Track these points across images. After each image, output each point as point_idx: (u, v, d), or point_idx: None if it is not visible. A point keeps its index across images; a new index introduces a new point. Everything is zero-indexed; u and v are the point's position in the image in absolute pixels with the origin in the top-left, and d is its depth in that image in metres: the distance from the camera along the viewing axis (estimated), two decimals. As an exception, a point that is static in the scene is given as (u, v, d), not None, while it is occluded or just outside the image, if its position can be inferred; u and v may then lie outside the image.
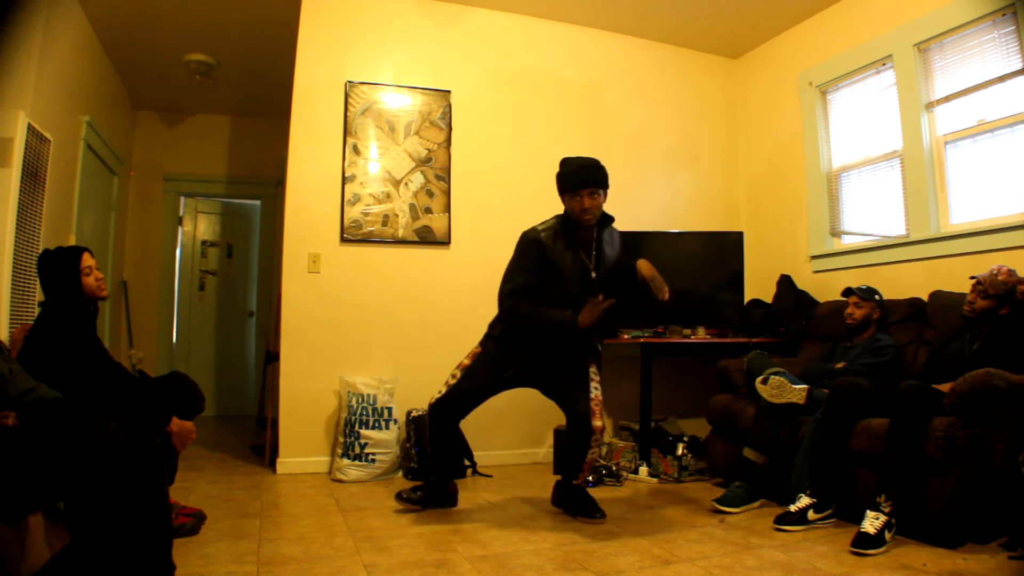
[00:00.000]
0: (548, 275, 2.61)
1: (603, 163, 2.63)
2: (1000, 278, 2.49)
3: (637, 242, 3.96)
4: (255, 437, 4.39)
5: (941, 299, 2.95)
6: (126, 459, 1.63)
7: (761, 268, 4.25)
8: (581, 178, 2.58)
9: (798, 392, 2.73)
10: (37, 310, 2.94)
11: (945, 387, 2.35)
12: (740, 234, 4.04)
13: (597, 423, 2.52)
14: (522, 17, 4.12)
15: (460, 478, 2.92)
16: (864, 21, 3.69)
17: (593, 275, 2.66)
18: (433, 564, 2.06)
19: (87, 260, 2.22)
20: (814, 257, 3.97)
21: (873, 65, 3.64)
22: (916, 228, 3.35)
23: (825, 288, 3.77)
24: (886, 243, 3.52)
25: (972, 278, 2.60)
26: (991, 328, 2.52)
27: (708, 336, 3.87)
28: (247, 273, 6.04)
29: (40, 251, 2.28)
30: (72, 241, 3.73)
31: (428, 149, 3.85)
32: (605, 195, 2.63)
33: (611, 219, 2.76)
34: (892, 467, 2.28)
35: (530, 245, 2.62)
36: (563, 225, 2.67)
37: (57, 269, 2.18)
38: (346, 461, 3.32)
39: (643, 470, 3.43)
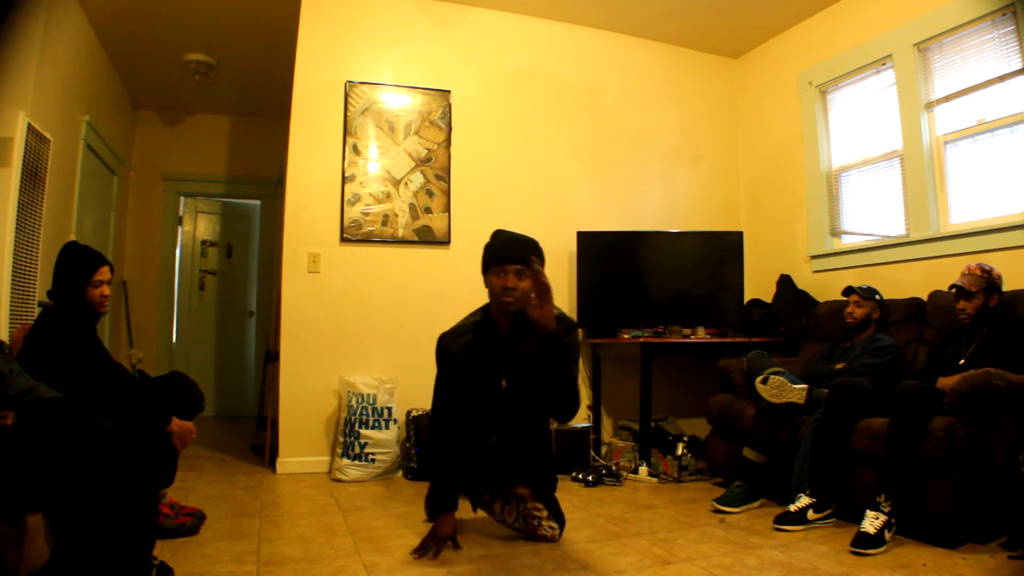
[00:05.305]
0: (466, 388, 2.27)
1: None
2: (976, 273, 2.53)
3: (637, 242, 3.98)
4: (255, 437, 4.39)
5: (941, 299, 2.95)
6: (120, 457, 1.63)
7: (761, 268, 4.25)
8: (507, 252, 2.24)
9: (798, 392, 2.74)
10: (37, 310, 2.95)
11: (950, 379, 2.36)
12: (740, 234, 4.04)
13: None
14: (522, 17, 4.12)
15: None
16: (864, 21, 3.69)
17: (503, 384, 2.26)
18: (433, 564, 2.06)
19: (102, 273, 2.21)
20: (814, 257, 3.97)
21: (873, 65, 3.65)
22: (916, 228, 3.35)
23: (825, 288, 3.77)
24: (886, 243, 3.52)
25: (952, 287, 2.61)
26: (989, 328, 2.52)
27: (708, 336, 3.87)
28: (247, 273, 6.04)
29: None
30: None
31: (428, 149, 3.85)
32: (538, 283, 2.02)
33: (564, 324, 2.17)
34: (892, 467, 2.28)
35: (440, 356, 2.30)
36: (478, 327, 2.30)
37: (71, 268, 2.18)
38: (346, 461, 3.32)
39: (643, 470, 3.43)
